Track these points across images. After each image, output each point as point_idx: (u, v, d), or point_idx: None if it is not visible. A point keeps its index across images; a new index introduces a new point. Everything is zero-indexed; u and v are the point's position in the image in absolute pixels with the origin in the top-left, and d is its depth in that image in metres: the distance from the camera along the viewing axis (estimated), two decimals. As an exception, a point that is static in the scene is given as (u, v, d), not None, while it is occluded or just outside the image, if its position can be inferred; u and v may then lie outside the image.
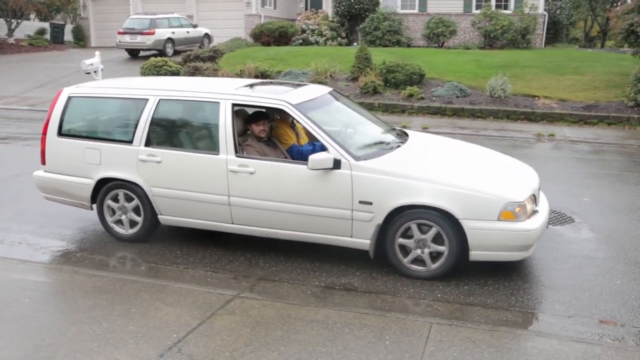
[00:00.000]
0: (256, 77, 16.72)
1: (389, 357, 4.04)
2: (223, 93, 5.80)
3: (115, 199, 6.20)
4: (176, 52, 23.54)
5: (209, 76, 17.35)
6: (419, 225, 5.19)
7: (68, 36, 31.04)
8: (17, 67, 22.38)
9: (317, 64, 17.44)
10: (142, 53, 24.13)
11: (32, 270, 5.57)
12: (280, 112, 5.96)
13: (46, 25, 31.05)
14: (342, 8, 24.57)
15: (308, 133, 6.29)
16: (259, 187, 5.54)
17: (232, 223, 5.77)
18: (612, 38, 41.14)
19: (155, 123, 5.93)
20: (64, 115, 6.31)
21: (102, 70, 12.49)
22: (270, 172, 5.52)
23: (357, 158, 5.30)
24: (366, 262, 5.62)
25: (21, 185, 8.40)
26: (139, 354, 4.09)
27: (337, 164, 5.25)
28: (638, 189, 8.64)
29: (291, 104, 5.57)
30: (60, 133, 6.31)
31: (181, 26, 24.98)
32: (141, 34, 23.52)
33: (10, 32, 28.31)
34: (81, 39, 30.69)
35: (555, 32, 26.68)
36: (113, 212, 6.26)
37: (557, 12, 26.19)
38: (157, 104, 5.93)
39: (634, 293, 5.11)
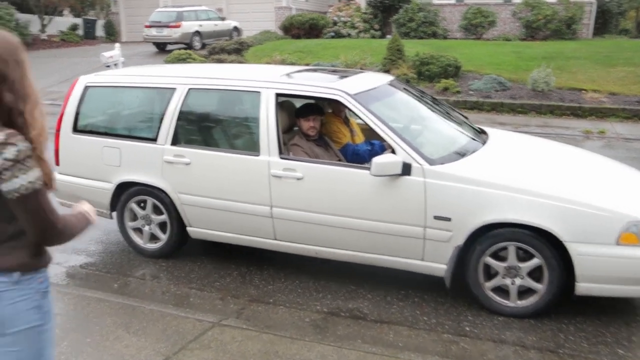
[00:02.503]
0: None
1: None
2: (265, 81, 4.83)
3: (140, 206, 5.28)
4: (204, 46, 22.86)
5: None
6: (517, 249, 4.17)
7: (100, 31, 30.73)
8: (46, 63, 21.93)
9: (347, 56, 16.53)
10: (169, 46, 23.48)
11: None
12: (334, 103, 4.99)
13: (79, 21, 30.80)
14: (375, -1, 23.52)
15: (365, 130, 5.30)
16: (308, 196, 4.57)
17: (275, 239, 4.80)
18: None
19: (183, 117, 4.99)
20: (80, 108, 5.39)
21: (122, 63, 11.63)
22: (323, 178, 4.53)
23: (431, 162, 4.29)
24: (380, 282, 4.71)
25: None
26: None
27: (406, 169, 4.25)
28: None
29: (349, 94, 4.57)
30: (76, 129, 5.39)
31: (209, 19, 24.25)
32: (168, 27, 22.89)
33: (43, 28, 27.99)
34: (112, 34, 30.30)
35: (604, 22, 25.14)
36: (135, 218, 5.35)
37: (606, 0, 24.72)
38: (187, 95, 4.97)
39: None
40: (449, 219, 4.23)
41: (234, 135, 5.00)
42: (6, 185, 1.92)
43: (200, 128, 5.08)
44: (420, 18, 21.73)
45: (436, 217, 4.26)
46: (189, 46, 22.55)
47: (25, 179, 1.93)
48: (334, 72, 5.76)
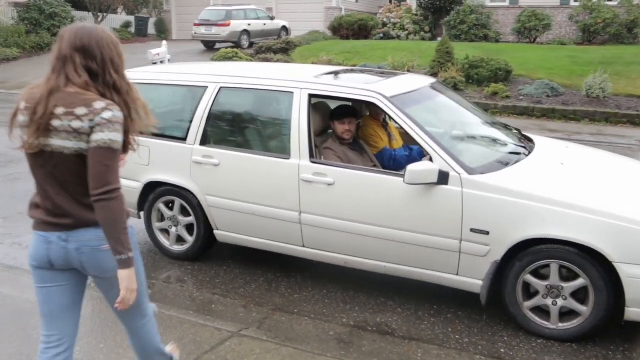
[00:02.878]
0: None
1: None
2: (298, 81, 4.63)
3: (168, 207, 5.15)
4: (252, 45, 22.90)
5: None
6: (560, 267, 3.84)
7: (151, 29, 31.21)
8: (96, 60, 22.33)
9: (395, 58, 16.24)
10: (217, 45, 23.61)
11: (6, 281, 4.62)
12: (371, 106, 4.75)
13: (131, 18, 31.36)
14: (427, 0, 23.07)
15: (403, 134, 5.05)
16: (339, 202, 4.34)
17: (303, 246, 4.59)
18: None
19: (214, 117, 4.83)
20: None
21: (169, 60, 11.64)
22: (354, 184, 4.30)
23: (470, 171, 4.00)
24: (411, 295, 4.46)
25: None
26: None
27: (443, 178, 3.98)
28: None
29: (385, 97, 4.32)
30: (106, 126, 5.30)
31: (258, 18, 24.29)
32: (216, 25, 23.02)
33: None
34: (163, 32, 30.74)
35: (670, 27, 24.01)
36: (162, 218, 5.23)
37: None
38: (218, 93, 4.81)
39: None
40: (487, 233, 3.94)
41: (264, 137, 4.81)
42: (93, 136, 2.36)
43: (231, 128, 4.91)
44: (472, 20, 21.24)
45: (473, 230, 3.97)
46: (237, 45, 22.62)
47: (107, 136, 2.36)
48: (374, 73, 5.52)
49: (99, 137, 2.35)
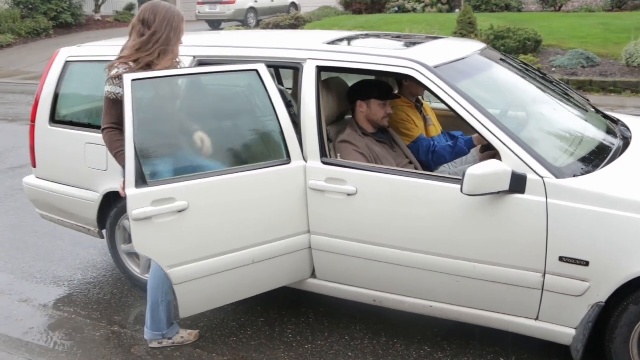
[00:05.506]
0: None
1: None
2: (301, 49, 3.33)
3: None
4: (259, 23, 21.62)
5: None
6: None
7: None
8: (96, 43, 21.24)
9: (413, 31, 15.08)
10: (223, 24, 22.44)
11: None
12: (405, 81, 3.48)
13: (134, 0, 29.97)
14: (442, -30, 21.66)
15: (442, 117, 3.79)
16: (363, 219, 3.07)
17: (314, 277, 3.33)
18: None
19: (179, 105, 3.53)
20: (59, 90, 4.04)
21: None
22: (385, 194, 3.01)
23: (558, 173, 2.71)
24: (467, 343, 3.22)
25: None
26: None
27: (518, 184, 2.70)
28: None
29: (427, 67, 3.00)
30: (54, 119, 4.06)
31: (265, -6, 23.04)
32: (221, 3, 21.92)
33: (97, 8, 27.29)
34: None
35: None
36: (129, 239, 3.98)
37: None
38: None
39: None
40: (585, 263, 2.66)
41: (248, 133, 3.50)
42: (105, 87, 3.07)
43: (202, 119, 3.61)
44: (493, -11, 19.91)
45: (564, 259, 2.69)
46: (244, 23, 21.58)
47: (108, 89, 3.06)
48: (400, 38, 4.19)
49: (106, 89, 3.12)
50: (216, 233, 3.03)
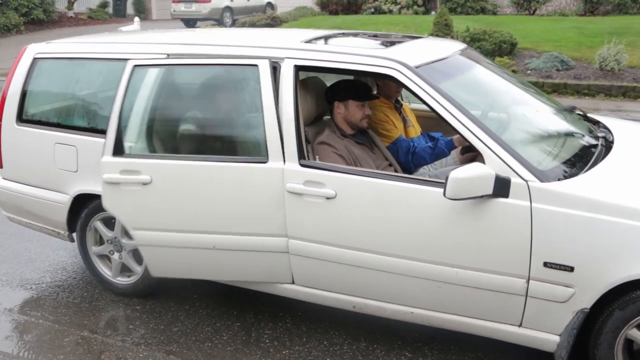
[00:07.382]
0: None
1: None
2: (279, 47, 3.24)
3: (108, 226, 3.78)
4: (235, 22, 21.62)
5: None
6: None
7: (130, 9, 29.53)
8: (72, 42, 20.86)
9: (389, 32, 15.09)
10: (198, 23, 22.25)
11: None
12: (384, 81, 3.41)
13: (109, -2, 29.68)
14: (419, -28, 21.75)
15: (421, 118, 3.73)
16: (342, 224, 2.98)
17: (293, 283, 3.24)
18: None
19: (149, 108, 3.38)
20: (27, 88, 3.88)
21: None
22: (366, 198, 2.93)
23: (542, 176, 2.65)
24: (447, 349, 3.18)
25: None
26: None
27: (502, 188, 2.64)
28: None
29: (408, 67, 2.92)
30: (21, 118, 3.89)
31: (241, -7, 22.93)
32: (196, 2, 21.71)
33: (70, 5, 26.83)
34: (142, 12, 29.06)
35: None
36: (100, 241, 3.86)
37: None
38: (165, 72, 3.40)
39: None
40: (570, 269, 2.61)
41: (226, 134, 3.40)
42: None
43: (175, 123, 3.49)
44: (468, -8, 20.01)
45: (548, 265, 2.64)
46: (219, 22, 21.46)
47: None
48: (376, 37, 4.11)
49: None
50: (176, 211, 3.25)
